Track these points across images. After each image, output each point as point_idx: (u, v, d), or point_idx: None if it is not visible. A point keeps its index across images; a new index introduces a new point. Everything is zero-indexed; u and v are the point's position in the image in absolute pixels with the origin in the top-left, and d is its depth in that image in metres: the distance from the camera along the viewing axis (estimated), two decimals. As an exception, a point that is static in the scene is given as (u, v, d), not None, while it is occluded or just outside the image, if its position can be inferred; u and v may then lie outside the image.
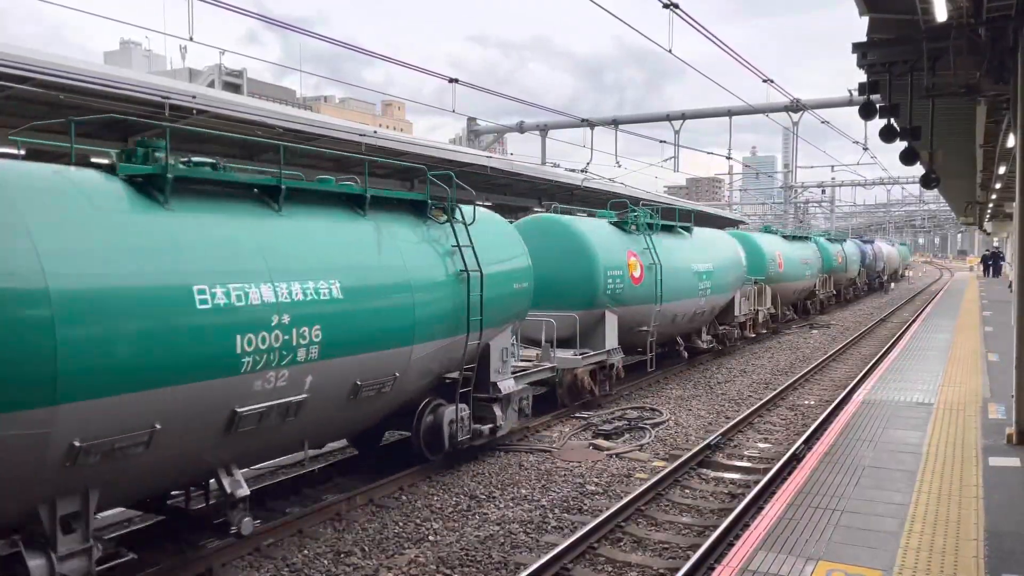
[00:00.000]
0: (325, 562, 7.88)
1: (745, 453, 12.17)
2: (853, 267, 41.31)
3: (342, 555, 8.06)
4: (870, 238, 60.20)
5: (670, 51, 14.44)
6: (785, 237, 29.75)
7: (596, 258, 14.92)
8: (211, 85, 54.77)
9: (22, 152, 12.22)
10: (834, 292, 36.67)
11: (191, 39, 10.19)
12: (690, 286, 18.15)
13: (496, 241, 11.38)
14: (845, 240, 42.85)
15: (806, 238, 33.27)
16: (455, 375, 10.42)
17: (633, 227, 16.67)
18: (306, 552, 8.09)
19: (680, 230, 19.45)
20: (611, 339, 15.31)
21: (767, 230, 29.97)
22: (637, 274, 15.86)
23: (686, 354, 19.80)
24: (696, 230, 20.36)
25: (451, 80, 16.53)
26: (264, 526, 8.41)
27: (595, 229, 15.61)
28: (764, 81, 17.90)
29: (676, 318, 17.93)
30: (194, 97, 13.13)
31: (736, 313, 22.09)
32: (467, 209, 10.84)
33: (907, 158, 11.84)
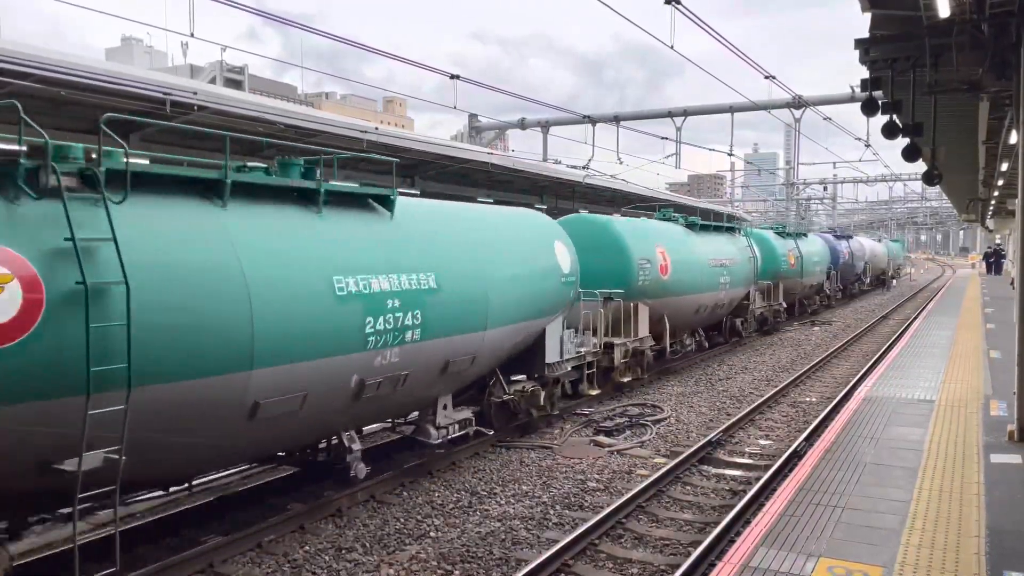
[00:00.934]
0: (326, 558, 7.89)
1: (746, 450, 12.16)
2: (816, 270, 32.00)
3: (343, 551, 8.06)
4: (847, 232, 48.62)
5: (672, 47, 14.42)
6: (690, 227, 20.36)
7: None
8: (213, 82, 54.73)
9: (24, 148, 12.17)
10: (783, 306, 27.51)
11: (192, 35, 10.17)
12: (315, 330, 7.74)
13: None
14: (804, 235, 32.90)
15: (731, 229, 23.72)
16: None
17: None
18: (307, 548, 8.10)
19: (309, 198, 8.37)
20: None
21: (664, 216, 20.62)
22: None
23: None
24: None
25: (452, 76, 16.52)
26: (265, 523, 8.43)
27: None
28: (766, 78, 17.86)
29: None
30: (195, 93, 13.13)
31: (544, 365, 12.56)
32: None
33: (909, 155, 11.81)
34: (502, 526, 8.80)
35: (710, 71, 17.05)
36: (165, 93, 12.43)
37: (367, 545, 8.24)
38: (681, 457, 11.11)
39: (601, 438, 12.71)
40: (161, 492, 8.92)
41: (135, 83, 12.09)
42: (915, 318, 28.30)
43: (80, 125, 14.77)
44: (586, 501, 9.71)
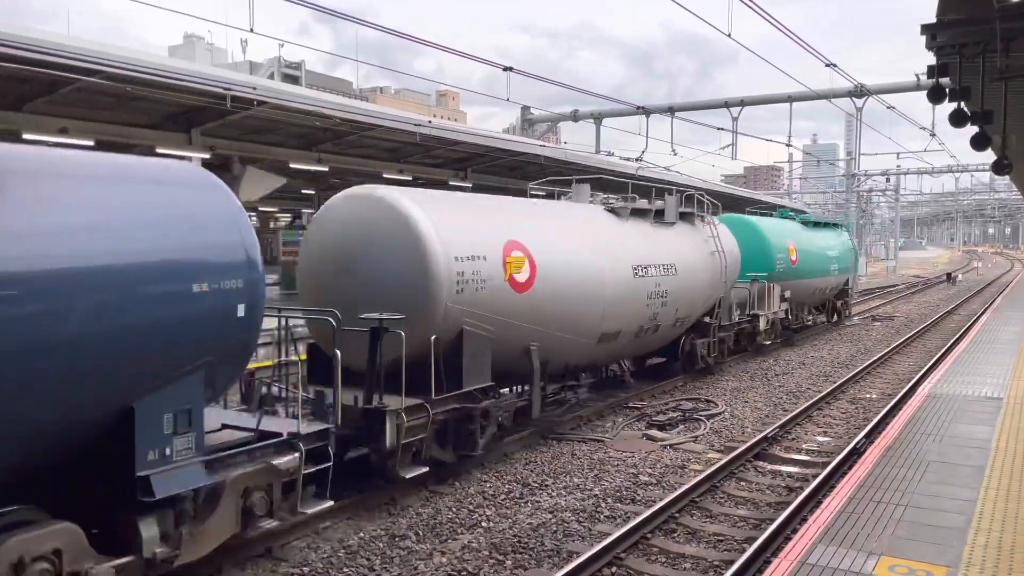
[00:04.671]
0: (380, 545, 8.00)
1: (803, 446, 11.92)
2: None
3: (397, 538, 8.17)
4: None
5: (729, 35, 14.15)
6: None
7: None
8: (271, 77, 55.78)
9: (91, 143, 12.52)
10: None
11: (251, 30, 10.39)
12: None
13: None
14: None
15: None
16: None
17: None
18: (362, 535, 8.23)
19: None
20: None
21: None
22: None
23: None
24: None
25: (505, 68, 16.51)
26: (320, 509, 8.45)
27: None
28: (827, 65, 17.39)
29: None
30: (255, 88, 13.39)
31: None
32: None
33: (978, 143, 11.39)
34: (553, 518, 8.80)
35: (768, 59, 16.67)
36: (226, 88, 12.71)
37: (420, 533, 8.33)
38: (736, 452, 10.95)
39: (654, 432, 12.61)
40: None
41: (198, 79, 12.39)
42: (982, 313, 27.33)
43: (144, 120, 15.23)
44: (638, 495, 9.65)
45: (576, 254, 11.97)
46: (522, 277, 10.65)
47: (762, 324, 19.44)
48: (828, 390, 15.48)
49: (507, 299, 10.40)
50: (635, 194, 15.11)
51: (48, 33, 12.16)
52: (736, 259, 17.38)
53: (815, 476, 9.92)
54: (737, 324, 18.32)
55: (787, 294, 21.28)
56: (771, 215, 24.99)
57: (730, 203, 37.77)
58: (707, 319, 16.60)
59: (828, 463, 10.38)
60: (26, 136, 13.06)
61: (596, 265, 12.29)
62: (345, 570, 7.42)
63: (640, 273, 13.38)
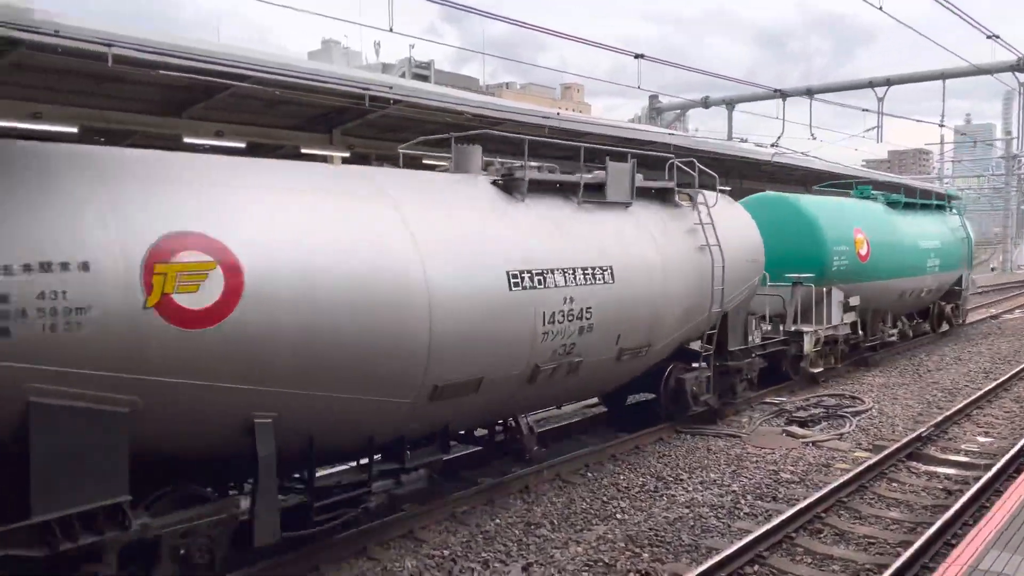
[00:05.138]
0: (516, 532, 8.09)
1: (962, 447, 11.10)
2: None
3: (532, 526, 8.23)
4: None
5: (880, 8, 13.34)
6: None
7: None
8: (402, 77, 57.55)
9: (243, 145, 13.22)
10: None
11: (391, 30, 10.73)
12: None
13: None
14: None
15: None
16: None
17: None
18: (498, 521, 8.34)
19: None
20: None
21: None
22: None
23: None
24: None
25: (637, 56, 16.26)
26: (458, 493, 8.75)
27: None
28: (988, 37, 16.04)
29: None
30: (391, 88, 13.82)
31: None
32: None
33: None
34: (690, 512, 8.61)
35: (918, 34, 15.57)
36: (364, 88, 13.17)
37: (555, 522, 8.36)
38: (886, 452, 10.32)
39: (794, 428, 12.09)
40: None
41: (339, 80, 12.92)
42: None
43: (289, 122, 16.04)
44: (779, 493, 9.28)
45: (370, 257, 6.90)
46: (201, 299, 5.82)
47: (807, 344, 14.40)
48: (989, 387, 14.34)
49: (161, 341, 5.65)
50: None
51: (203, 41, 13.01)
52: (753, 255, 12.14)
53: (977, 478, 9.21)
54: (762, 347, 13.23)
55: (854, 301, 15.89)
56: (848, 194, 18.70)
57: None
58: (695, 345, 11.32)
59: (992, 465, 9.61)
60: (185, 140, 14.06)
61: (417, 274, 7.16)
62: (483, 554, 7.55)
63: (527, 283, 8.13)
